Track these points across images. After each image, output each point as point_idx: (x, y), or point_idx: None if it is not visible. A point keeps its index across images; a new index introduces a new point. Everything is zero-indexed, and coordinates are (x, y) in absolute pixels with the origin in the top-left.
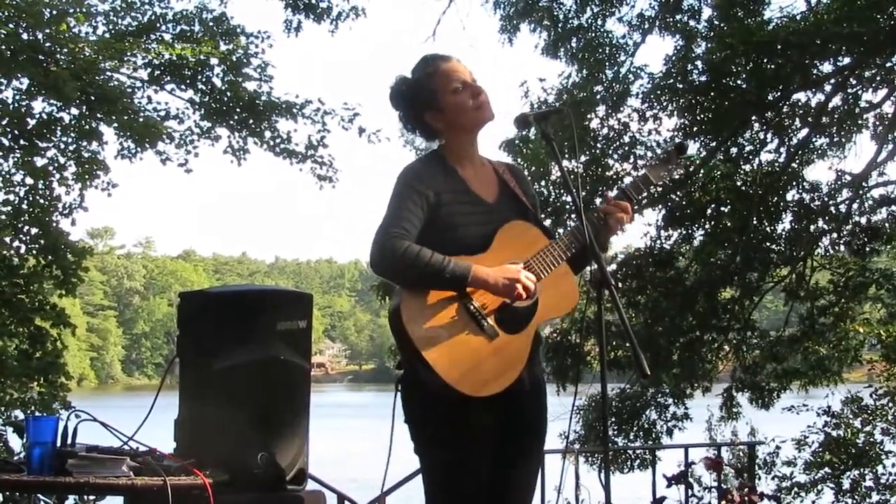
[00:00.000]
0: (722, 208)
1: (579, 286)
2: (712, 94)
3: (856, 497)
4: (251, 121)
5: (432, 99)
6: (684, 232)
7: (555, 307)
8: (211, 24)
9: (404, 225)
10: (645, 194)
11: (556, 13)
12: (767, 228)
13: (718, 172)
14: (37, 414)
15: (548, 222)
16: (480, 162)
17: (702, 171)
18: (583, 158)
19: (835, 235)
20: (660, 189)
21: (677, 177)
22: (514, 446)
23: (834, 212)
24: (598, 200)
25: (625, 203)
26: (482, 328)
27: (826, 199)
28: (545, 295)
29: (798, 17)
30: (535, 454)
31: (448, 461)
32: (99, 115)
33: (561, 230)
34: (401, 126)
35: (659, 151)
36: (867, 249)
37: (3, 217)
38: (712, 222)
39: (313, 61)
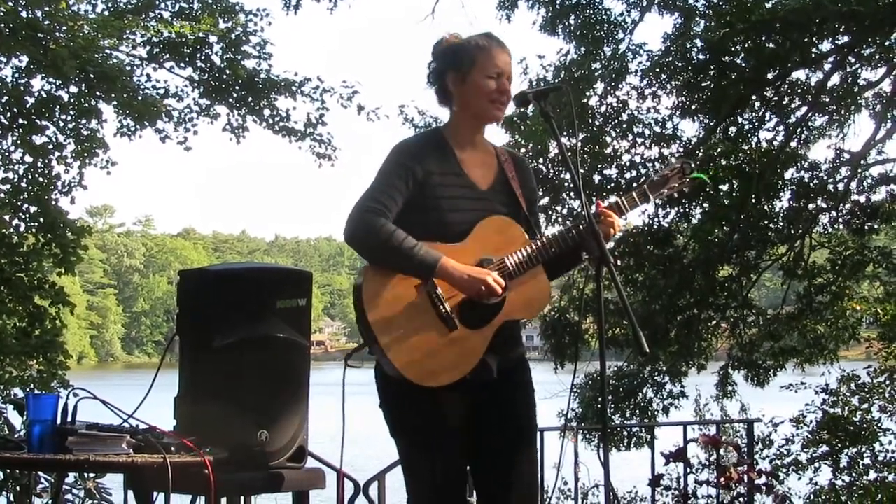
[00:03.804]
0: (720, 186)
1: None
2: (711, 72)
3: (853, 474)
4: (250, 99)
5: (464, 65)
6: (682, 210)
7: (522, 309)
8: (210, 1)
9: (384, 201)
10: (640, 208)
11: None
12: (766, 207)
13: (717, 151)
14: (36, 392)
15: (546, 199)
16: (483, 148)
17: (700, 149)
18: (581, 136)
19: (833, 214)
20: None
21: (675, 196)
22: (498, 433)
23: (832, 190)
24: (596, 177)
25: (612, 214)
26: (442, 318)
27: (825, 177)
28: (514, 295)
29: None
30: (523, 436)
31: (417, 446)
32: (98, 94)
33: (558, 208)
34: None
35: (664, 167)
36: (866, 228)
37: (3, 195)
38: (711, 200)
39: (313, 40)
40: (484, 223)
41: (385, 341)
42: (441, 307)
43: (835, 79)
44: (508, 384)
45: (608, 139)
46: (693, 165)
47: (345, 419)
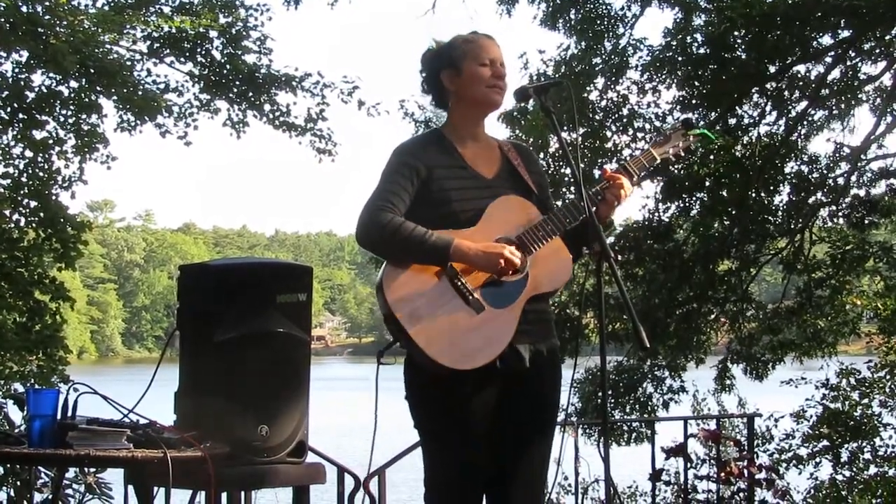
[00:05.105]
0: (721, 180)
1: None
2: (711, 66)
3: (854, 469)
4: (250, 93)
5: (456, 60)
6: (682, 204)
7: (547, 282)
8: None
9: (391, 199)
10: (647, 171)
11: None
12: (765, 200)
13: (717, 144)
14: (36, 387)
15: None
16: (486, 141)
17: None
18: (582, 131)
19: (833, 208)
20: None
21: (682, 154)
22: (520, 423)
23: (832, 184)
24: (596, 172)
25: (620, 177)
26: (468, 302)
27: (824, 171)
28: (537, 269)
29: None
30: (544, 432)
31: (444, 436)
32: (98, 88)
33: (559, 203)
34: (421, 88)
35: (666, 127)
36: (866, 222)
37: (3, 190)
38: (710, 194)
39: (314, 35)
40: (496, 203)
41: (414, 332)
42: (465, 291)
43: (835, 73)
44: (540, 379)
45: (608, 134)
46: (694, 122)
47: (377, 418)
